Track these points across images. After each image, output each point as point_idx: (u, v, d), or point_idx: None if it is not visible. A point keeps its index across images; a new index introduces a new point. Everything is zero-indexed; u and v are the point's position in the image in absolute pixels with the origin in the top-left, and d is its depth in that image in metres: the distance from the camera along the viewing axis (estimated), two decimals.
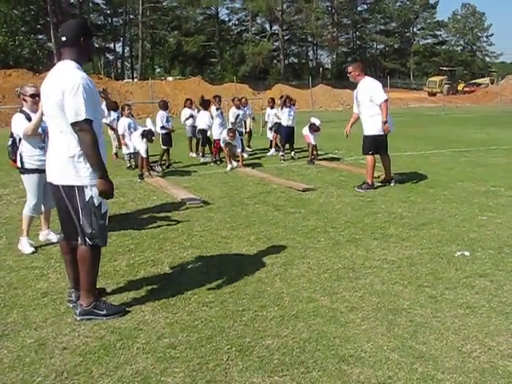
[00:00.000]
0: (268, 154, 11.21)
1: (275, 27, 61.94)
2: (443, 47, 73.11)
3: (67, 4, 50.97)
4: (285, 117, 10.35)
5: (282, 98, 11.13)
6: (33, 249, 4.59)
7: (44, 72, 28.21)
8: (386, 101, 6.81)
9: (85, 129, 2.93)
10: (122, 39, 59.63)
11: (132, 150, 8.86)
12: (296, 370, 2.57)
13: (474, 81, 54.63)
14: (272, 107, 11.65)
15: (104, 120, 9.82)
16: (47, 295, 3.58)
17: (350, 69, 7.13)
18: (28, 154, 4.52)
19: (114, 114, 10.33)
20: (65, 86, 2.92)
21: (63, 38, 3.08)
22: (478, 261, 4.07)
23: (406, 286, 3.59)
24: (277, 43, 60.50)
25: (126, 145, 9.08)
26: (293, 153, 10.46)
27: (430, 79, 49.30)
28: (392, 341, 2.83)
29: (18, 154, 4.55)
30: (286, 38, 62.31)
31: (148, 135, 8.09)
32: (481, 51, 75.67)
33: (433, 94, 45.19)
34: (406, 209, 5.84)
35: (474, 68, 70.92)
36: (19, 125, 4.46)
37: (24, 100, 4.55)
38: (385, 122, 6.76)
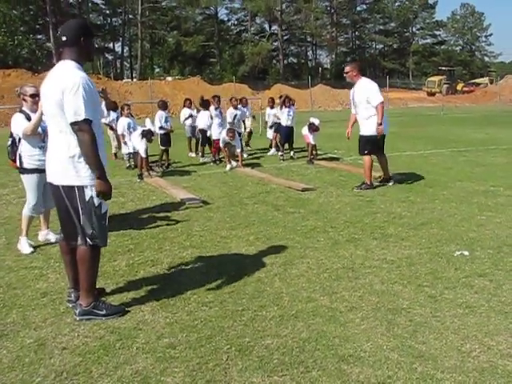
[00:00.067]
0: (268, 153, 11.22)
1: (274, 27, 61.93)
2: (442, 47, 73.15)
3: (66, 4, 50.94)
4: (284, 117, 10.35)
5: (281, 97, 11.14)
6: (32, 249, 4.58)
7: (43, 72, 28.22)
8: (383, 103, 6.83)
9: (84, 129, 2.93)
10: (121, 39, 59.63)
11: (131, 150, 8.86)
12: (295, 369, 2.57)
13: (473, 81, 54.69)
14: (272, 107, 11.65)
15: (103, 120, 9.81)
16: (46, 295, 3.58)
17: (347, 68, 7.07)
18: (27, 153, 4.52)
19: (113, 114, 10.32)
20: (64, 85, 2.92)
21: (63, 38, 3.08)
22: (477, 260, 4.07)
23: (405, 286, 3.59)
24: (276, 43, 60.50)
25: (125, 143, 9.07)
26: (292, 153, 10.47)
27: (429, 79, 49.31)
28: (391, 340, 2.83)
29: (18, 154, 4.55)
30: (285, 37, 62.33)
31: (147, 135, 8.09)
32: (480, 51, 75.75)
33: (432, 94, 45.21)
34: (405, 208, 5.85)
35: (473, 68, 70.99)
36: (19, 124, 4.46)
37: (24, 100, 4.55)
38: (379, 124, 6.77)
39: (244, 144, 11.24)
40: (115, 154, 10.72)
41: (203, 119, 10.23)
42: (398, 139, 12.77)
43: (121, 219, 5.68)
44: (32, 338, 2.95)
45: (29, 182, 4.59)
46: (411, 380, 2.46)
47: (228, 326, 3.04)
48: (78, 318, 3.17)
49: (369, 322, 3.05)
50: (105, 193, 3.05)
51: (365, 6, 67.90)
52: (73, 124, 2.93)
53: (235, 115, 10.41)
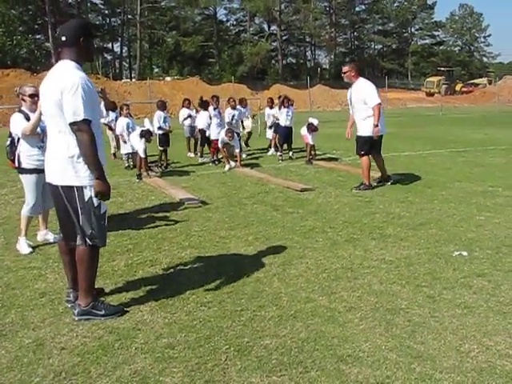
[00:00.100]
0: (268, 153, 11.23)
1: (273, 27, 62.02)
2: (441, 47, 73.25)
3: (65, 4, 50.92)
4: (283, 117, 10.36)
5: (280, 98, 11.14)
6: (31, 249, 4.58)
7: (42, 72, 28.20)
8: (380, 104, 6.83)
9: (83, 129, 2.93)
10: (120, 39, 59.55)
11: (130, 150, 8.87)
12: (294, 369, 2.57)
13: (472, 81, 54.71)
14: (271, 107, 11.66)
15: (102, 120, 9.80)
16: (45, 295, 3.57)
17: (345, 68, 7.03)
18: (26, 153, 4.51)
19: (112, 114, 10.32)
20: (63, 85, 2.92)
21: (63, 38, 3.07)
22: (475, 261, 4.08)
23: (404, 286, 3.59)
24: (275, 43, 60.56)
25: (125, 141, 9.06)
26: (291, 153, 10.47)
27: (427, 79, 49.35)
28: (390, 340, 2.83)
29: (17, 154, 4.55)
30: (284, 38, 62.40)
31: (146, 135, 8.10)
32: (478, 52, 75.85)
33: (431, 95, 45.24)
34: (403, 209, 5.85)
35: (471, 68, 71.10)
36: (18, 124, 4.46)
37: (23, 100, 4.55)
38: (375, 126, 6.77)
39: (243, 143, 11.24)
40: (114, 154, 10.73)
41: (202, 119, 10.23)
42: (396, 139, 12.79)
43: (120, 219, 5.67)
44: (31, 338, 2.94)
45: (28, 182, 4.58)
46: (410, 380, 2.46)
47: (227, 326, 3.04)
48: (76, 318, 3.17)
49: (367, 322, 3.06)
50: (103, 193, 3.04)
51: (364, 7, 68.08)
52: (72, 124, 2.93)
53: (233, 115, 10.41)
